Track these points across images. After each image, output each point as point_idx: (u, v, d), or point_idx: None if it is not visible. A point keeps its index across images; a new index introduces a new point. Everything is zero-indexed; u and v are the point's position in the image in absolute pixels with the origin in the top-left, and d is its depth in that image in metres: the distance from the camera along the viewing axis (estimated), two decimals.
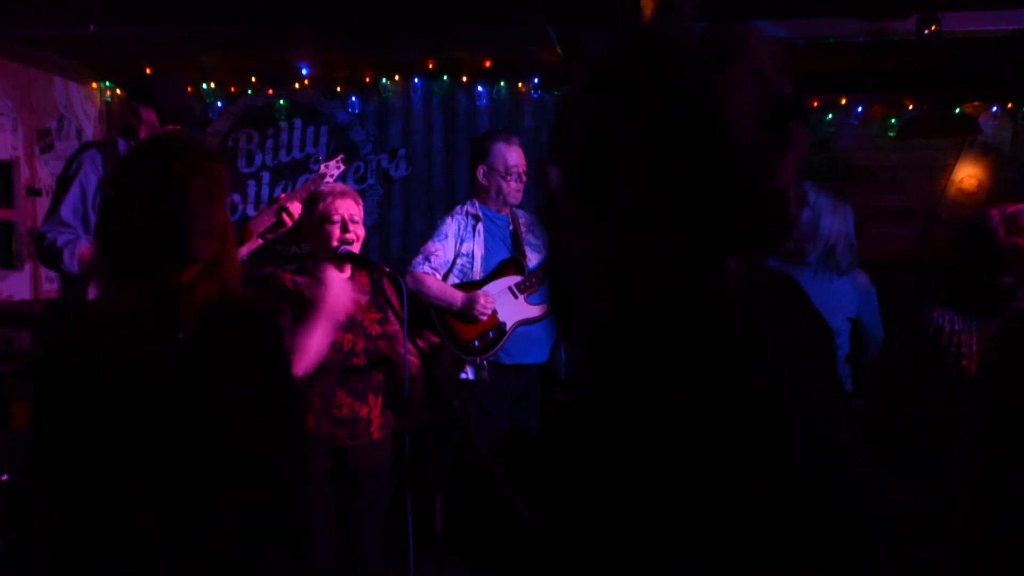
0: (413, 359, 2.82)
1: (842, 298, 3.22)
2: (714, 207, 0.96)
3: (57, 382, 1.75)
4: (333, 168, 4.05)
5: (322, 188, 3.04)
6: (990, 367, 2.07)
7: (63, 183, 3.37)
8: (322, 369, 2.73)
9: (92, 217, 3.34)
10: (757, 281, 1.02)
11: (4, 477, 3.03)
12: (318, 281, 2.85)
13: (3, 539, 2.97)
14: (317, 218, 2.94)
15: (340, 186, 3.05)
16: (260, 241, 3.50)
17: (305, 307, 2.74)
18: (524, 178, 3.91)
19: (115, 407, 1.71)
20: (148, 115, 3.44)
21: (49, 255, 3.27)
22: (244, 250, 3.36)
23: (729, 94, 0.94)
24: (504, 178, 3.84)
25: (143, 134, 3.46)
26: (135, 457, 1.70)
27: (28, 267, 4.94)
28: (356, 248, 2.95)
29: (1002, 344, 1.98)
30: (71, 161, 3.42)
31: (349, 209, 2.94)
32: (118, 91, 5.56)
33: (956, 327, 2.59)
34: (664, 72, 0.97)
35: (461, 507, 3.70)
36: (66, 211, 3.30)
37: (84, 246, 3.24)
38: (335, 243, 2.90)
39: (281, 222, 3.47)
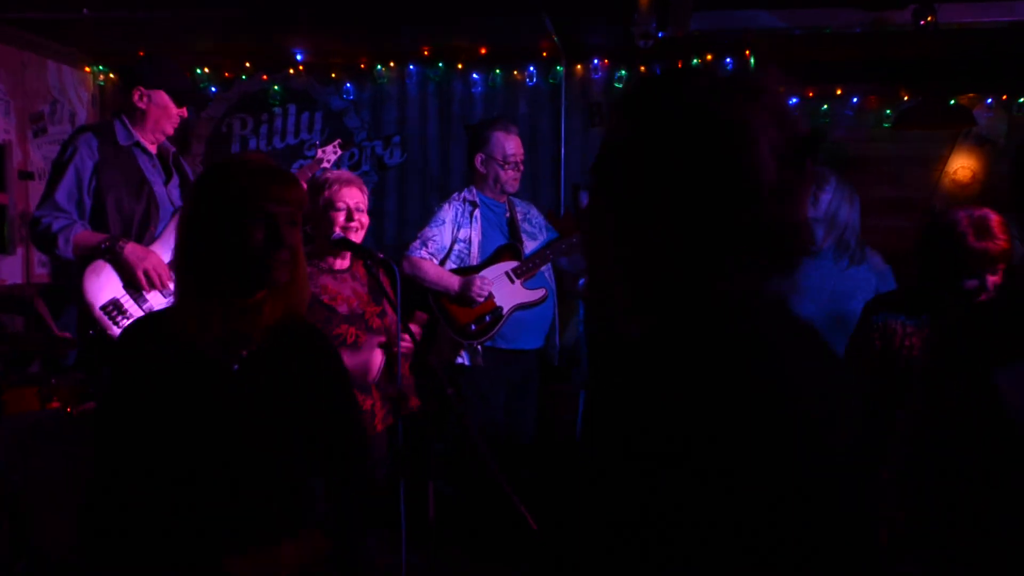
0: (406, 344, 2.82)
1: (859, 282, 3.26)
2: (735, 234, 0.99)
3: (125, 383, 1.79)
4: (330, 153, 4.05)
5: (328, 175, 3.03)
6: (929, 355, 2.08)
7: (58, 167, 3.35)
8: None
9: (87, 202, 3.33)
10: (762, 300, 1.04)
11: None
12: (320, 271, 2.86)
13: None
14: (322, 205, 2.94)
15: (346, 174, 3.06)
16: None
17: (313, 308, 2.78)
18: (521, 167, 3.93)
19: (176, 416, 1.75)
20: (160, 98, 3.43)
21: (44, 240, 3.26)
22: None
23: (755, 129, 0.98)
24: (502, 167, 3.86)
25: (154, 117, 3.44)
26: (190, 468, 1.75)
27: (20, 251, 4.92)
28: (360, 236, 2.95)
29: (945, 332, 1.95)
30: (66, 145, 3.40)
31: (355, 197, 2.94)
32: (111, 75, 5.53)
33: (908, 330, 2.61)
34: (693, 102, 1.00)
35: (454, 495, 3.71)
36: (61, 196, 3.28)
37: (79, 232, 3.23)
38: (338, 230, 2.90)
39: None
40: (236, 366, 1.79)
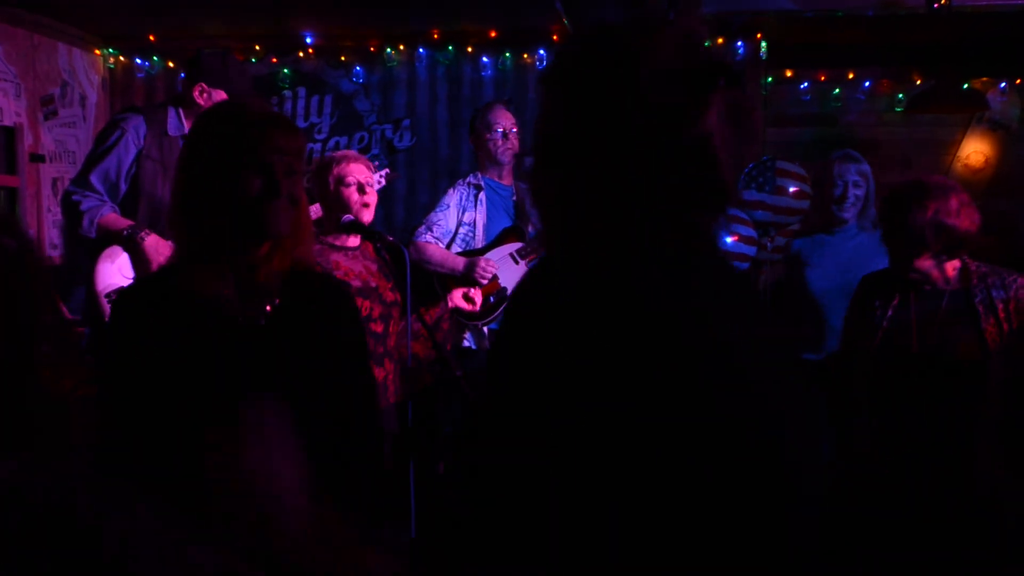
0: (416, 326, 2.85)
1: (874, 254, 3.41)
2: (639, 157, 1.04)
3: (131, 351, 1.68)
4: (375, 182, 4.07)
5: (333, 154, 3.07)
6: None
7: (101, 148, 3.34)
8: None
9: (123, 187, 3.33)
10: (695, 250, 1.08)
11: None
12: (332, 248, 2.89)
13: None
14: (332, 183, 2.96)
15: (352, 152, 3.09)
16: None
17: None
18: (512, 138, 3.94)
19: (202, 377, 1.65)
20: (220, 97, 3.42)
21: (72, 215, 3.28)
22: None
23: (648, 53, 1.04)
24: (488, 138, 3.89)
25: None
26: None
27: (32, 233, 4.95)
28: (370, 214, 2.97)
29: None
30: (115, 125, 3.39)
31: (363, 173, 2.98)
32: (121, 58, 5.53)
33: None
34: (599, 40, 1.09)
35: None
36: (96, 176, 3.29)
37: (107, 214, 3.25)
38: (354, 207, 2.93)
39: None
40: (263, 321, 1.74)
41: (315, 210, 3.00)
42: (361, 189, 2.94)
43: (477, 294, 3.17)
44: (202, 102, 3.40)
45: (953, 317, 2.60)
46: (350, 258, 2.96)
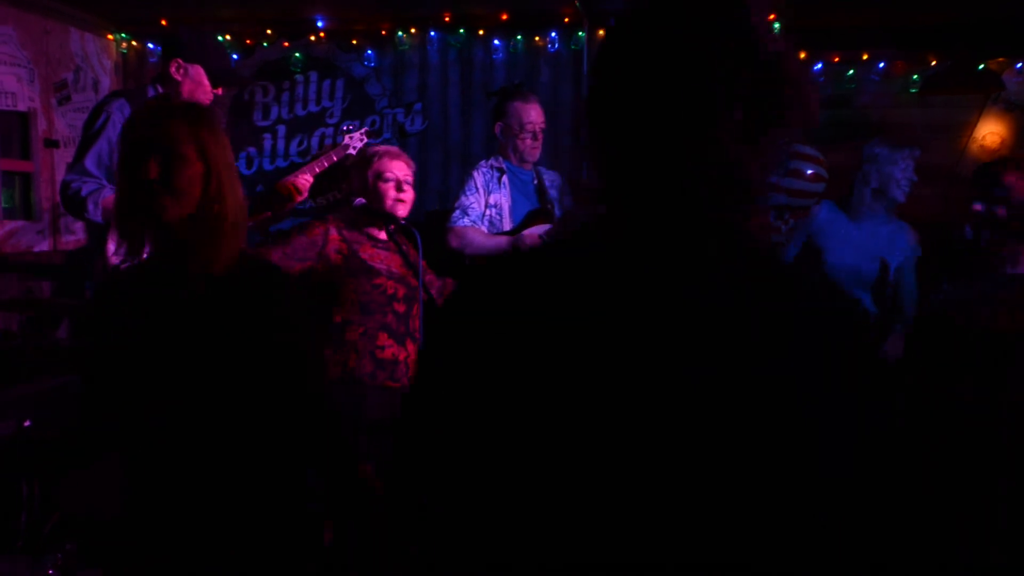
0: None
1: (880, 242, 3.37)
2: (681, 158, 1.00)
3: (94, 325, 1.92)
4: (357, 140, 4.09)
5: (377, 148, 3.16)
6: None
7: (90, 133, 3.37)
8: (366, 309, 2.86)
9: None
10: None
11: (27, 423, 3.08)
12: (364, 239, 2.99)
13: (29, 486, 3.03)
14: (371, 178, 3.05)
15: (394, 148, 3.17)
16: (268, 213, 3.55)
17: (354, 264, 2.90)
18: (540, 136, 3.90)
19: (141, 349, 1.82)
20: (196, 73, 3.43)
21: (74, 203, 3.30)
22: (251, 222, 3.40)
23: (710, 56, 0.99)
24: (519, 136, 3.84)
25: (187, 89, 3.45)
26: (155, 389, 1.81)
27: (47, 218, 4.97)
28: (404, 210, 3.07)
29: None
30: (99, 110, 3.41)
31: (402, 170, 3.08)
32: (134, 43, 5.54)
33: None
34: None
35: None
36: (90, 162, 3.31)
37: (108, 195, 3.26)
38: (390, 201, 3.02)
39: (290, 197, 3.55)
40: (183, 301, 1.84)
41: (359, 203, 3.09)
42: (399, 186, 3.05)
43: None
44: (179, 78, 3.42)
45: None
46: (380, 249, 3.06)
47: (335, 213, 3.15)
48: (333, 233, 2.99)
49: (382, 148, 3.14)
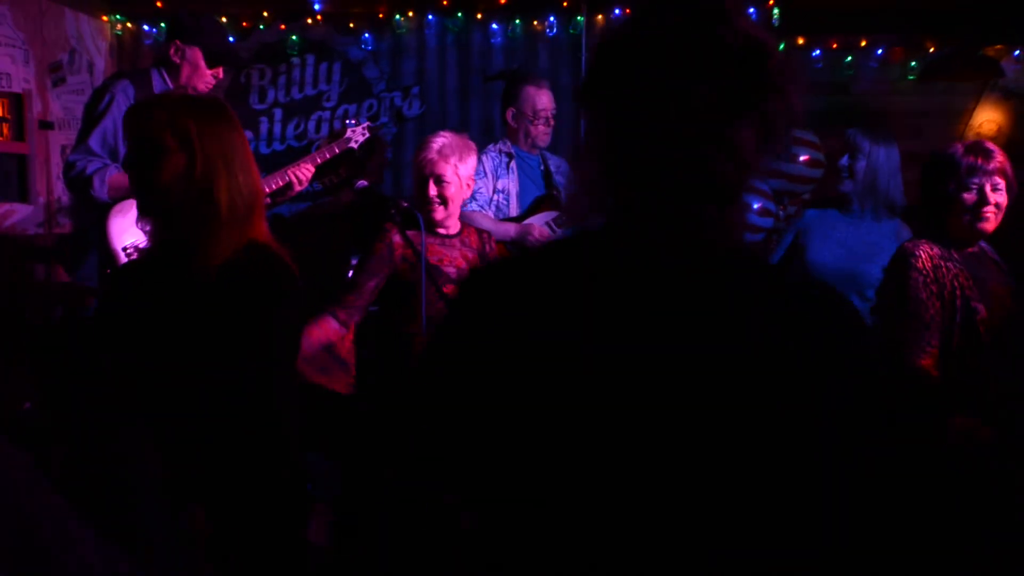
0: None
1: (879, 245, 3.28)
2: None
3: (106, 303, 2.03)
4: (359, 134, 4.09)
5: (433, 140, 3.02)
6: None
7: (94, 114, 3.38)
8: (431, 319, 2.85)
9: (122, 150, 3.35)
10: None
11: (27, 405, 3.07)
12: (431, 236, 2.96)
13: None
14: (415, 169, 3.01)
15: (448, 145, 3.00)
16: (267, 201, 3.55)
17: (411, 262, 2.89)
18: (552, 121, 3.90)
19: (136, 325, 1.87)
20: (194, 55, 3.45)
21: (79, 182, 3.30)
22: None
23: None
24: (532, 122, 3.84)
25: (186, 73, 3.46)
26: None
27: (42, 200, 4.94)
28: (440, 213, 2.98)
29: None
30: (103, 91, 3.42)
31: (440, 169, 2.96)
32: (128, 24, 5.50)
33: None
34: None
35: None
36: (95, 142, 3.32)
37: (114, 174, 3.27)
38: (428, 196, 2.96)
39: (289, 186, 3.58)
40: (189, 288, 1.83)
41: (361, 185, 3.11)
42: (439, 181, 2.98)
43: None
44: (177, 60, 3.44)
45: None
46: (446, 246, 3.01)
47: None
48: (396, 238, 2.95)
49: (437, 143, 2.99)
